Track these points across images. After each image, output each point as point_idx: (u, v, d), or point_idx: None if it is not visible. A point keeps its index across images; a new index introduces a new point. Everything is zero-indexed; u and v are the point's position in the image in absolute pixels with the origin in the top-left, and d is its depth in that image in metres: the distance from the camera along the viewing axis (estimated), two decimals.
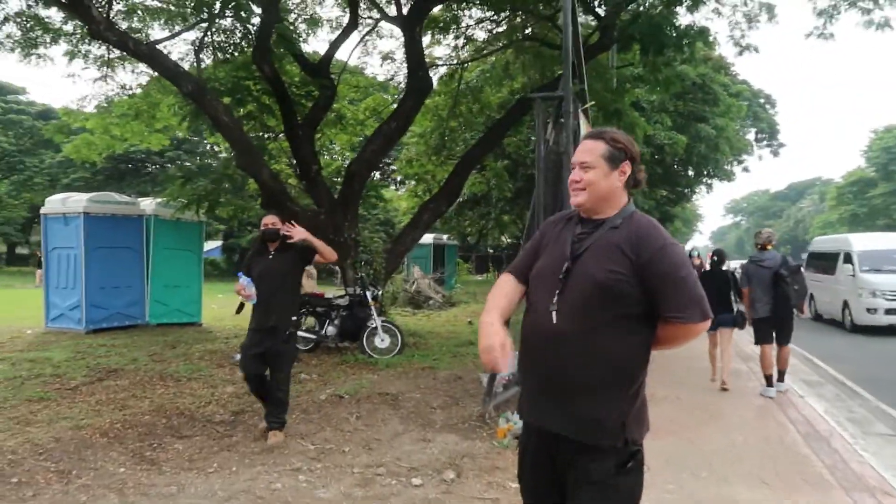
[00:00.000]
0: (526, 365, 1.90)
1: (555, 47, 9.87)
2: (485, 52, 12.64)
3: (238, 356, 8.27)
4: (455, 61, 12.99)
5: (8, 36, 10.55)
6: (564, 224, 2.00)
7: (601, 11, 9.76)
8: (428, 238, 22.10)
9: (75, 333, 9.53)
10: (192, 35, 9.71)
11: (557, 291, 1.82)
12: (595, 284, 1.77)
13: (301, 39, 10.08)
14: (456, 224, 24.17)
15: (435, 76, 12.25)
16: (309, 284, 9.40)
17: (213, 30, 9.26)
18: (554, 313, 1.80)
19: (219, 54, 9.54)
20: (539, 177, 5.33)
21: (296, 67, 10.18)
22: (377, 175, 35.09)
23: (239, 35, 9.40)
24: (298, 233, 4.23)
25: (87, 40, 10.51)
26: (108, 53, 10.26)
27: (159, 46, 8.54)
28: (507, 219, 23.24)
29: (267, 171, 9.17)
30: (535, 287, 1.93)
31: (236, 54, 9.56)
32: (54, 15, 10.34)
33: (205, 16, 8.65)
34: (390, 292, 14.33)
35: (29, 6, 10.03)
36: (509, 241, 29.56)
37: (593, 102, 8.82)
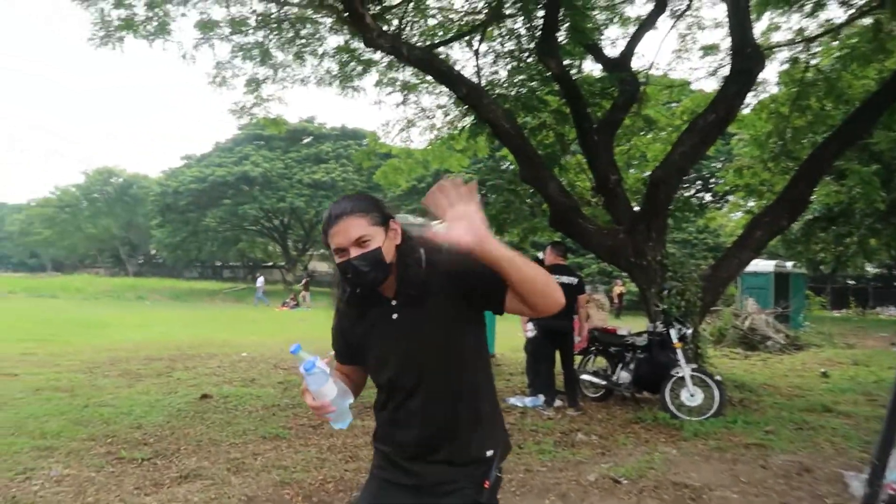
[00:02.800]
0: None
1: None
2: (841, 21, 9.65)
3: (526, 401, 7.19)
4: (799, 40, 10.21)
5: (327, 71, 11.29)
6: None
7: None
8: (768, 265, 18.60)
9: None
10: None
11: None
12: None
13: (596, 30, 8.66)
14: (804, 248, 19.70)
15: (773, 67, 9.77)
16: (599, 316, 7.82)
17: (493, 29, 8.45)
18: None
19: (501, 58, 8.70)
20: None
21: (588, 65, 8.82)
22: (699, 189, 31.67)
23: (523, 32, 8.41)
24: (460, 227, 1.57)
25: (394, 68, 10.73)
26: (399, 73, 10.16)
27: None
28: (875, 242, 18.26)
29: (555, 183, 7.93)
30: None
31: (522, 54, 8.58)
32: (362, 47, 10.78)
33: (482, 16, 7.86)
34: (712, 329, 11.86)
35: (346, 41, 10.54)
36: (876, 270, 23.48)
37: None
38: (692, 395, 6.11)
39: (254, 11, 10.27)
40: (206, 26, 9.96)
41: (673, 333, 6.39)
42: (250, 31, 10.51)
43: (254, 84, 11.25)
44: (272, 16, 10.38)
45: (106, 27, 8.98)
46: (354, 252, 1.74)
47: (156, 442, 5.00)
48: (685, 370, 6.17)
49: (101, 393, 6.78)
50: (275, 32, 10.62)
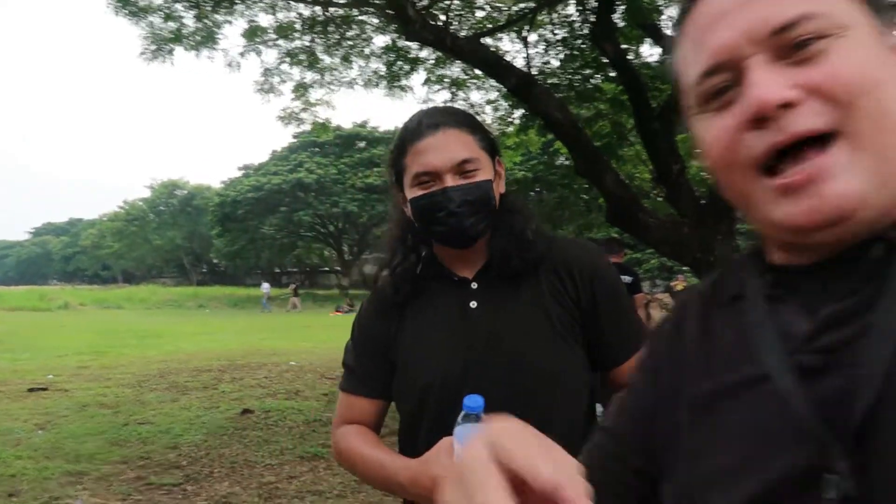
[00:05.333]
0: None
1: None
2: None
3: None
4: None
5: (374, 72, 11.03)
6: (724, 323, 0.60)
7: None
8: None
9: None
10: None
11: None
12: None
13: (655, 9, 8.09)
14: None
15: None
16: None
17: (543, 16, 7.98)
18: None
19: (553, 47, 8.24)
20: None
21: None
22: None
23: (575, 17, 7.91)
24: None
25: (441, 64, 10.38)
26: (447, 69, 9.81)
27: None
28: None
29: (611, 175, 7.34)
30: None
31: (575, 41, 8.09)
32: (411, 45, 10.47)
33: (531, 3, 7.41)
34: None
35: (393, 41, 10.26)
36: None
37: None
38: None
39: (300, 15, 10.08)
40: (253, 33, 9.82)
41: None
42: (296, 36, 10.33)
43: (301, 89, 11.07)
44: (318, 19, 10.18)
45: (156, 41, 8.91)
46: (453, 181, 1.13)
47: (189, 465, 4.71)
48: None
49: (144, 409, 6.60)
50: (321, 36, 10.42)
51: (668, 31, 8.04)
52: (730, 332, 0.58)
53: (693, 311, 0.65)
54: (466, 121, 1.20)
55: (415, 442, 1.21)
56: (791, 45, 0.49)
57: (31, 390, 7.68)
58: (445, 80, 10.65)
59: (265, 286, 32.16)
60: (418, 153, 1.15)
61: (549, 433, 1.14)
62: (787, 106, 0.48)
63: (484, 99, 11.02)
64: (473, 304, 1.20)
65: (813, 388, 0.49)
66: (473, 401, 0.98)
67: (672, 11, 9.28)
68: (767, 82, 0.49)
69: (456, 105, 10.71)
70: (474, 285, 1.21)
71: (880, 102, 0.48)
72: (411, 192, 1.17)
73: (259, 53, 10.27)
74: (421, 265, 1.23)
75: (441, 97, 11.30)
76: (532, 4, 7.76)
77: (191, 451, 5.04)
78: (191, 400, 7.08)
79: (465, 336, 1.18)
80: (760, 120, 0.49)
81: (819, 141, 0.48)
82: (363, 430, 1.28)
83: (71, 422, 6.06)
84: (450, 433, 1.03)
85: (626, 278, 6.33)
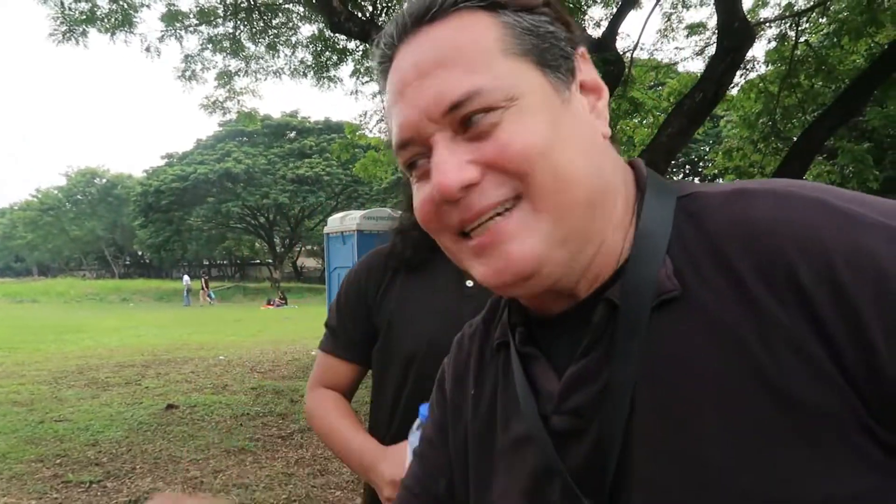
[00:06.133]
0: None
1: None
2: None
3: None
4: (787, 15, 9.91)
5: (301, 62, 10.89)
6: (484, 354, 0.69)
7: None
8: None
9: None
10: None
11: None
12: None
13: (578, 9, 8.33)
14: None
15: (761, 45, 9.47)
16: None
17: None
18: None
19: None
20: None
21: None
22: (688, 172, 31.36)
23: None
24: None
25: (369, 56, 10.34)
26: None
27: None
28: None
29: None
30: None
31: None
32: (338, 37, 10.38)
33: None
34: None
35: (320, 31, 10.17)
36: None
37: None
38: None
39: (223, 1, 9.85)
40: (173, 17, 9.52)
41: None
42: (219, 22, 10.09)
43: (225, 77, 10.83)
44: (242, 5, 9.96)
45: (67, 21, 8.53)
46: None
47: (109, 461, 4.61)
48: None
49: (61, 406, 6.38)
50: (245, 23, 10.22)
51: (591, 31, 8.17)
52: (500, 382, 0.64)
53: (472, 348, 0.71)
54: None
55: (394, 409, 1.26)
56: (465, 120, 0.52)
57: None
58: (374, 71, 10.67)
59: (185, 279, 31.22)
60: None
61: None
62: (470, 186, 0.52)
63: None
64: (470, 284, 1.25)
65: (568, 453, 0.54)
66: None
67: (596, 12, 9.57)
68: (447, 166, 0.52)
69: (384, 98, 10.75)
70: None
71: (551, 165, 0.51)
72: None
73: (179, 39, 9.99)
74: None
75: (370, 89, 11.26)
76: None
77: (111, 448, 4.93)
78: (112, 396, 6.89)
79: (458, 312, 1.20)
80: (449, 201, 0.53)
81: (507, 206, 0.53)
82: (337, 398, 1.33)
83: None
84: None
85: None
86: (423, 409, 1.03)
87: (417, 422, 1.04)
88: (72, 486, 4.11)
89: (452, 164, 0.52)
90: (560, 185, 0.51)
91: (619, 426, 0.50)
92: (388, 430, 1.28)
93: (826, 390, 0.42)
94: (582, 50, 0.58)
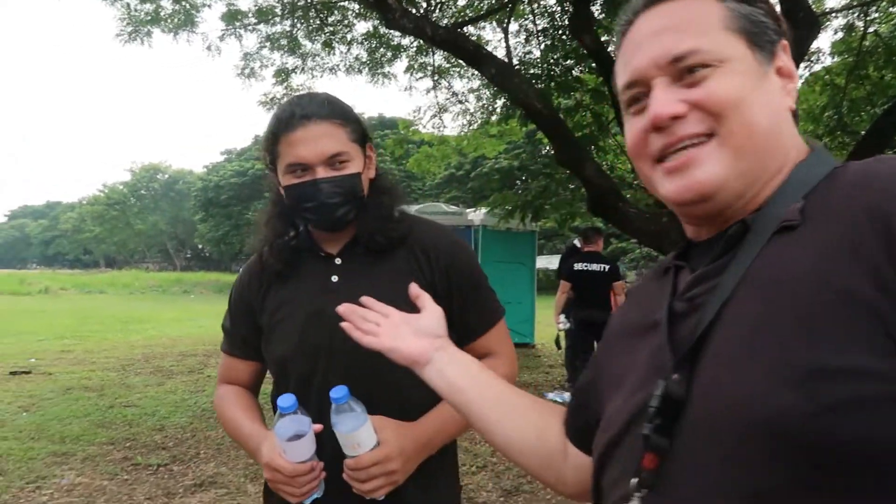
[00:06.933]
0: None
1: None
2: None
3: (565, 396, 6.84)
4: (855, 4, 9.49)
5: (356, 58, 11.04)
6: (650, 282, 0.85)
7: None
8: None
9: None
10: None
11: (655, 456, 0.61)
12: (764, 421, 0.53)
13: None
14: None
15: (826, 35, 9.12)
16: None
17: (523, 6, 8.04)
18: None
19: (533, 37, 8.30)
20: None
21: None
22: None
23: (555, 7, 7.99)
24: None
25: (423, 52, 10.41)
26: (429, 57, 9.85)
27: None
28: None
29: (592, 165, 7.45)
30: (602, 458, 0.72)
31: (556, 32, 8.17)
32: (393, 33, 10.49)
33: None
34: None
35: (375, 28, 10.30)
36: None
37: None
38: None
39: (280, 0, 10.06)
40: (233, 16, 9.78)
41: None
42: (277, 21, 10.31)
43: (283, 74, 11.05)
44: (299, 3, 10.15)
45: (132, 22, 8.86)
46: (324, 172, 1.20)
47: (175, 446, 4.82)
48: None
49: (129, 392, 6.67)
50: (302, 20, 10.40)
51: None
52: (656, 293, 0.77)
53: (646, 277, 0.88)
54: (338, 112, 1.24)
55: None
56: (684, 71, 0.66)
57: (13, 374, 7.71)
58: (428, 67, 10.71)
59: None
60: (290, 144, 1.20)
61: (407, 407, 1.25)
62: (677, 117, 0.66)
63: (467, 87, 11.09)
64: (335, 279, 1.29)
65: (676, 327, 0.68)
66: (338, 392, 1.09)
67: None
68: (663, 100, 0.67)
69: (438, 93, 10.78)
70: (338, 261, 1.30)
71: (744, 115, 0.65)
72: (285, 180, 1.24)
73: (239, 38, 10.25)
74: (295, 240, 1.33)
75: (423, 85, 11.36)
76: None
77: (177, 433, 5.14)
78: (176, 384, 7.17)
79: (323, 308, 1.21)
80: (658, 127, 0.67)
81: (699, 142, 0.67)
82: (237, 391, 1.42)
83: (55, 404, 6.12)
84: (306, 403, 1.18)
85: (604, 266, 6.49)
86: (280, 400, 1.12)
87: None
88: (140, 469, 4.31)
89: (667, 99, 0.66)
90: (745, 130, 0.65)
91: (713, 311, 0.61)
92: None
93: (883, 299, 0.52)
94: (784, 42, 0.71)
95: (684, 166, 0.66)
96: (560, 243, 37.61)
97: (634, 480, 0.62)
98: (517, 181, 19.29)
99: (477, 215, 10.21)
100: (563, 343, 7.09)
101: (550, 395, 6.55)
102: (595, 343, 6.46)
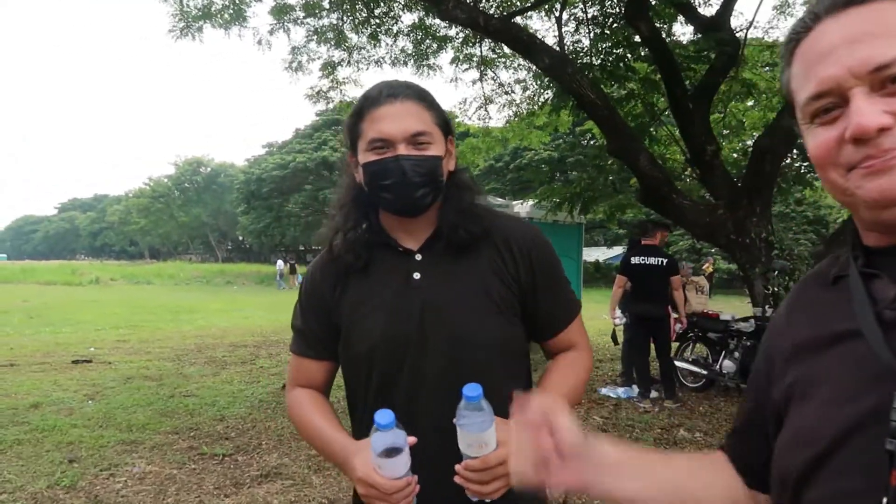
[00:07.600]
0: None
1: None
2: None
3: (619, 392, 6.76)
4: None
5: (402, 50, 11.04)
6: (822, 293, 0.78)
7: None
8: None
9: None
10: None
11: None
12: None
13: None
14: None
15: None
16: (698, 300, 7.22)
17: None
18: None
19: (584, 25, 8.16)
20: None
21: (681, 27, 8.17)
22: (795, 156, 29.38)
23: None
24: None
25: (469, 43, 10.36)
26: (475, 48, 9.78)
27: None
28: None
29: (645, 156, 7.33)
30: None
31: (607, 20, 8.02)
32: (438, 22, 10.45)
33: None
34: None
35: (421, 19, 10.28)
36: None
37: None
38: None
39: None
40: (282, 11, 9.86)
41: None
42: (324, 14, 10.35)
43: (329, 67, 11.11)
44: None
45: (185, 18, 8.99)
46: (406, 150, 1.18)
47: (237, 436, 4.90)
48: None
49: (187, 382, 6.82)
50: (348, 14, 10.43)
51: (702, 11, 7.90)
52: (836, 303, 0.72)
53: (807, 287, 0.81)
54: (425, 96, 1.23)
55: (362, 409, 1.28)
56: (887, 80, 0.63)
57: (75, 362, 7.97)
58: (474, 58, 10.65)
59: (279, 263, 31.59)
60: (375, 120, 1.18)
61: (502, 403, 1.14)
62: (883, 129, 0.62)
63: (513, 78, 11.02)
64: (417, 276, 1.24)
65: (890, 335, 0.63)
66: (472, 389, 1.06)
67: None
68: (867, 111, 0.63)
69: (484, 85, 10.70)
70: (418, 257, 1.25)
71: None
72: (364, 157, 1.20)
73: (287, 32, 10.32)
74: (368, 232, 1.28)
75: (469, 76, 11.30)
76: None
77: (237, 424, 5.23)
78: (231, 374, 7.30)
79: (408, 306, 1.21)
80: (859, 139, 0.64)
81: None
82: (312, 396, 1.34)
83: (118, 393, 6.29)
84: (389, 403, 1.13)
85: (661, 260, 6.37)
86: (378, 416, 1.06)
87: (374, 427, 1.06)
88: (207, 458, 4.40)
89: (872, 111, 0.63)
90: None
91: None
92: (361, 425, 1.28)
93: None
94: None
95: (886, 168, 0.63)
96: (597, 236, 37.14)
97: (885, 500, 0.58)
98: (560, 172, 19.09)
99: (523, 207, 10.11)
100: (619, 338, 6.99)
101: (604, 391, 6.47)
102: (651, 339, 6.36)
